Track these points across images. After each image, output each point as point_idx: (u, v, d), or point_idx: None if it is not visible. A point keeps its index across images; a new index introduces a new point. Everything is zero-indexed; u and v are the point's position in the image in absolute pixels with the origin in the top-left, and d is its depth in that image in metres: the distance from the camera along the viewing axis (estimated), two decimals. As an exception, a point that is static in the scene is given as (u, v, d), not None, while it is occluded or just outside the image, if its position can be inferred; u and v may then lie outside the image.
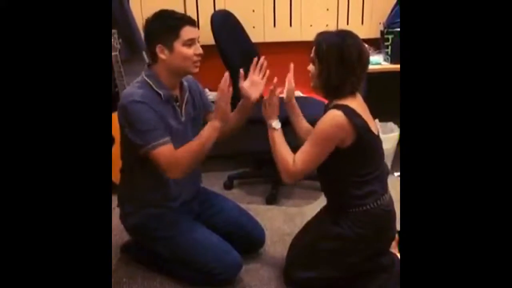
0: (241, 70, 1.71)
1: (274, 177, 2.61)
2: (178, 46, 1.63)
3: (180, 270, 1.82)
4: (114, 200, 1.87)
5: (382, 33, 2.77)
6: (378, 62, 2.72)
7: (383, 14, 2.80)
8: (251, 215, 2.03)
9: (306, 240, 1.76)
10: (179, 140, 1.67)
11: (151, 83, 1.66)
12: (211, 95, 2.84)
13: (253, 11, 2.79)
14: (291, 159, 1.57)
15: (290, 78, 1.76)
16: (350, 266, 1.66)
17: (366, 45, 2.81)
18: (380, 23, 2.84)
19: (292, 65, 1.75)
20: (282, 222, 2.29)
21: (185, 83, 1.79)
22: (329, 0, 2.83)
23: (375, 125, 1.63)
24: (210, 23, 2.35)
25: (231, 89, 1.64)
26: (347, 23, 2.88)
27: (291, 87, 1.77)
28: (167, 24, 1.63)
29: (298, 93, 2.92)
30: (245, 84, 1.72)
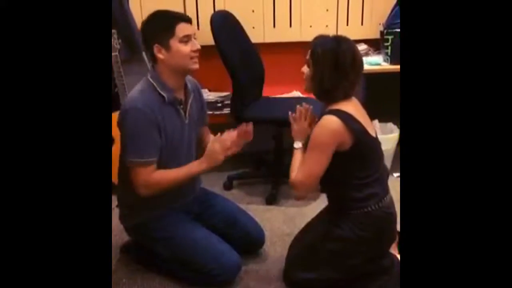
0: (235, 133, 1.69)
1: (273, 177, 2.62)
2: (174, 43, 1.63)
3: (179, 270, 1.82)
4: (114, 200, 1.87)
5: (382, 33, 2.77)
6: (377, 62, 2.72)
7: (383, 14, 2.80)
8: (251, 216, 2.03)
9: (306, 241, 1.76)
10: (180, 142, 1.67)
11: (155, 84, 1.67)
12: (211, 95, 2.85)
13: (253, 11, 2.79)
14: (294, 174, 1.60)
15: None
16: (351, 268, 1.66)
17: (366, 46, 2.85)
18: (380, 24, 2.84)
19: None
20: (281, 223, 2.29)
21: (189, 86, 1.79)
22: (329, 1, 2.83)
23: (373, 128, 1.63)
24: (209, 24, 2.35)
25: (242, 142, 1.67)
26: (347, 24, 2.88)
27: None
28: (162, 23, 1.64)
29: (298, 94, 2.93)
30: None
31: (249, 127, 1.69)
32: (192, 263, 1.76)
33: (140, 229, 1.84)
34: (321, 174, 1.57)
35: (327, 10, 2.85)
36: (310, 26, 2.84)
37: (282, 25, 2.84)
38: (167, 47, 1.63)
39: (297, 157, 1.66)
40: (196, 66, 1.69)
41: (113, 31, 2.36)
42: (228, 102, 2.76)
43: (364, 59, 1.92)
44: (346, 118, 1.52)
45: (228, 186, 2.68)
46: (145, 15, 1.69)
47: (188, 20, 1.66)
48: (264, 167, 2.90)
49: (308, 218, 1.90)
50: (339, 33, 1.68)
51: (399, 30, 2.57)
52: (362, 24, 2.89)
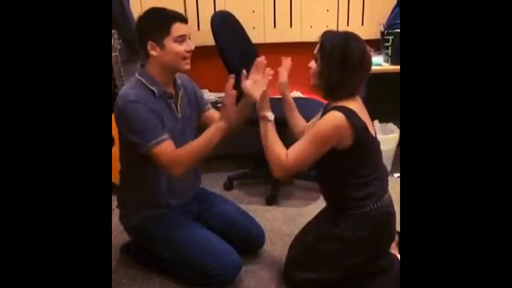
0: (244, 71, 1.71)
1: (273, 177, 2.62)
2: (169, 42, 1.63)
3: (179, 271, 1.82)
4: (114, 200, 1.87)
5: (382, 34, 2.77)
6: (378, 63, 2.72)
7: (383, 15, 2.80)
8: (251, 216, 2.03)
9: (306, 241, 1.76)
10: (176, 138, 1.67)
11: (143, 80, 1.67)
12: (211, 96, 2.85)
13: (253, 11, 2.79)
14: (283, 153, 1.56)
15: (282, 71, 1.76)
16: (350, 268, 1.66)
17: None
18: (380, 24, 2.84)
19: (286, 59, 1.75)
20: (281, 223, 2.29)
21: (179, 81, 1.79)
22: (329, 1, 2.83)
23: (373, 127, 1.63)
24: (210, 24, 2.36)
25: (235, 91, 1.64)
26: (347, 24, 2.88)
27: (283, 80, 1.77)
28: (158, 21, 1.63)
29: (298, 94, 2.93)
30: (247, 84, 1.72)
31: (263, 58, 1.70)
32: (192, 263, 1.76)
33: (140, 230, 1.84)
34: (309, 164, 1.58)
35: (327, 10, 2.85)
36: (311, 27, 2.85)
37: (282, 26, 2.85)
38: (161, 45, 1.63)
39: (274, 134, 1.60)
40: (188, 67, 1.69)
41: (113, 31, 2.36)
42: (228, 102, 2.76)
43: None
44: (350, 114, 1.51)
45: (228, 187, 2.68)
46: (145, 15, 1.69)
47: (184, 20, 1.66)
48: (264, 167, 2.89)
49: (308, 218, 1.90)
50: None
51: (399, 30, 2.57)
52: (362, 24, 2.90)
